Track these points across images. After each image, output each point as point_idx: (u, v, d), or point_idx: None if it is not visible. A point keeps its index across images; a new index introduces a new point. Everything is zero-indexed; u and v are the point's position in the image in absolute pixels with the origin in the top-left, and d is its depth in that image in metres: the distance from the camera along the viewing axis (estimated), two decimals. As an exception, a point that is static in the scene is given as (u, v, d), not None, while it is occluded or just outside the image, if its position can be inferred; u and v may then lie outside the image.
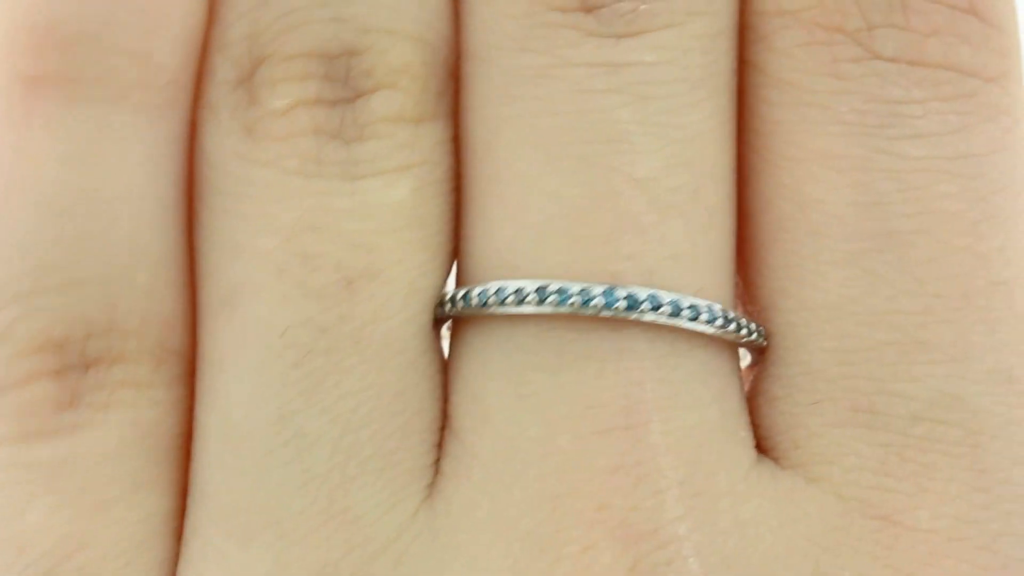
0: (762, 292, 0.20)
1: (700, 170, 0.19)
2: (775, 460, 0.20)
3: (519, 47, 0.19)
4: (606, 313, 0.19)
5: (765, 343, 0.20)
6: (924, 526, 0.18)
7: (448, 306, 0.20)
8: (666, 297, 0.19)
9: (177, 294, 0.20)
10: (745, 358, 0.21)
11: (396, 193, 0.19)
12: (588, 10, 0.19)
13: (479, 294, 0.19)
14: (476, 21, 0.20)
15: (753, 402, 0.20)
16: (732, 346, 0.20)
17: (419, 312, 0.20)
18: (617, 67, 0.19)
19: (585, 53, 0.19)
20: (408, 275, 0.20)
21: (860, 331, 0.19)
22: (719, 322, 0.19)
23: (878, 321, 0.19)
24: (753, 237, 0.21)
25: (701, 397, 0.19)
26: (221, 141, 0.20)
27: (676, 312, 0.19)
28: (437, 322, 0.20)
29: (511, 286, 0.19)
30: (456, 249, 0.21)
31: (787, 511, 0.19)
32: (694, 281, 0.19)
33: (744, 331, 0.20)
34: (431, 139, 0.20)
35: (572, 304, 0.19)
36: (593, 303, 0.19)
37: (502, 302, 0.19)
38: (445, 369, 0.20)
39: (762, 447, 0.20)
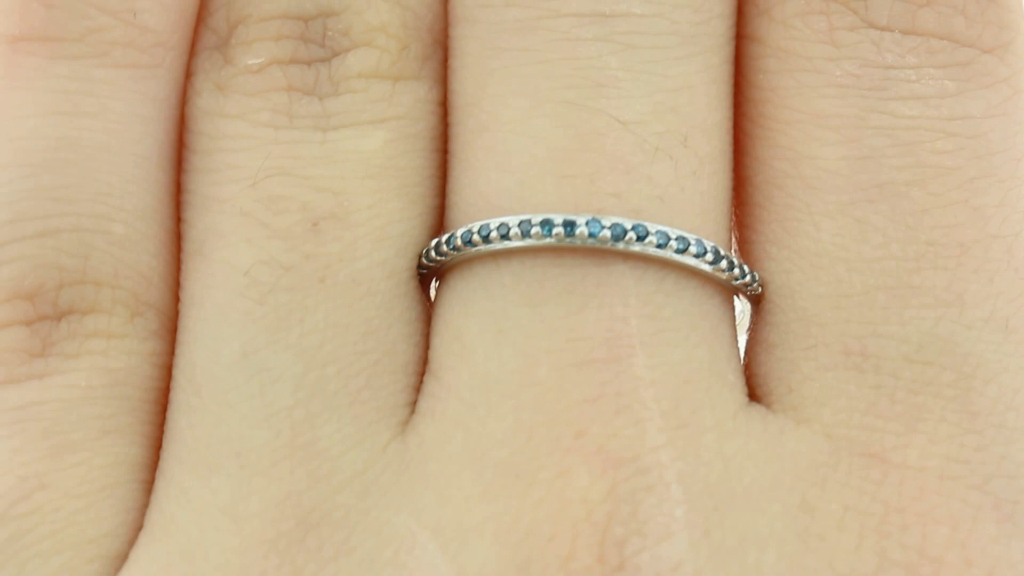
0: (756, 245, 0.20)
1: (689, 119, 0.19)
2: (768, 406, 0.19)
3: (505, 2, 0.19)
4: (591, 243, 0.18)
5: (760, 290, 0.20)
6: (914, 464, 0.18)
7: (433, 253, 0.19)
8: (653, 227, 0.18)
9: (156, 249, 0.20)
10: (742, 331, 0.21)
11: (368, 143, 0.19)
12: None
13: (463, 234, 0.19)
14: None
15: (750, 351, 0.20)
16: (725, 291, 0.19)
17: (392, 257, 0.19)
18: (605, 17, 0.19)
19: (572, 4, 0.19)
20: (378, 220, 0.19)
21: (852, 277, 0.19)
22: (709, 256, 0.19)
23: (869, 267, 0.19)
24: (748, 198, 0.20)
25: (688, 337, 0.19)
26: (194, 101, 0.20)
27: (663, 243, 0.18)
28: (426, 276, 0.20)
29: (494, 222, 0.19)
30: (442, 205, 0.20)
31: (774, 448, 0.18)
32: (683, 223, 0.19)
33: (737, 271, 0.19)
34: (411, 96, 0.20)
35: (556, 235, 0.18)
36: (578, 232, 0.18)
37: (486, 239, 0.19)
38: (427, 318, 0.20)
39: (756, 395, 0.19)
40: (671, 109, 0.19)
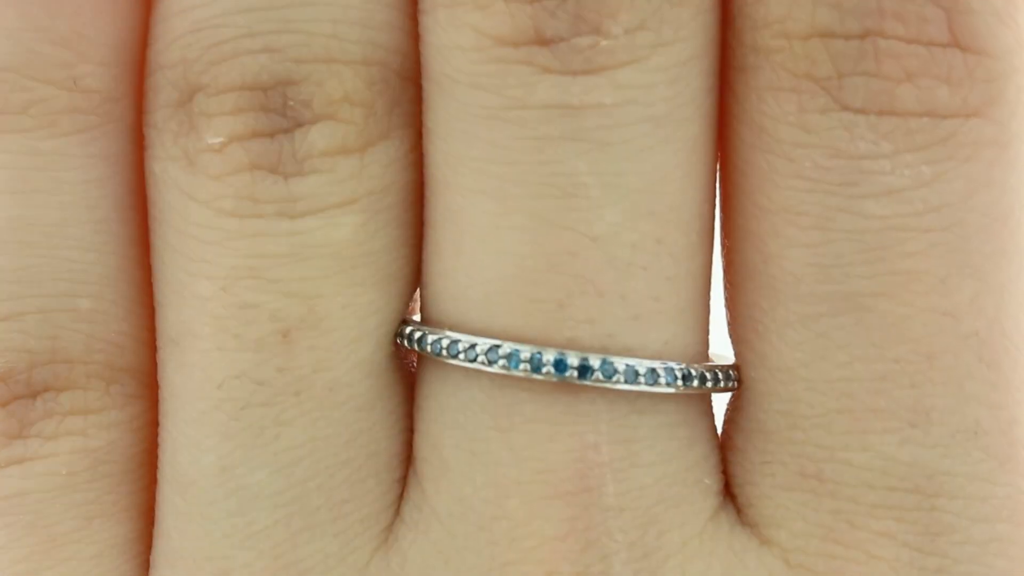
0: (733, 338, 0.20)
1: (664, 217, 0.18)
2: (737, 509, 0.19)
3: (471, 83, 0.18)
4: (556, 379, 0.18)
5: (737, 387, 0.19)
6: None
7: (406, 342, 0.19)
8: (621, 364, 0.18)
9: (125, 312, 0.20)
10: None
11: (339, 233, 0.19)
12: (544, 43, 0.17)
13: (433, 343, 0.19)
14: (430, 47, 0.18)
15: (724, 446, 0.20)
16: (703, 395, 0.19)
17: (369, 354, 0.19)
18: (574, 110, 0.17)
19: (539, 94, 0.17)
20: (352, 319, 0.19)
21: (810, 397, 0.18)
22: (679, 383, 0.18)
23: (829, 388, 0.18)
24: (730, 278, 0.20)
25: (664, 451, 0.19)
26: (166, 167, 0.19)
27: (632, 379, 0.18)
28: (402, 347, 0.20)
29: (464, 341, 0.18)
30: (418, 267, 0.20)
31: (735, 573, 0.19)
32: (658, 338, 0.18)
33: (710, 382, 0.19)
34: (381, 163, 0.19)
35: (523, 369, 0.18)
36: (544, 370, 0.18)
37: (454, 356, 0.18)
38: (411, 390, 0.20)
39: (730, 492, 0.20)
40: (646, 213, 0.18)
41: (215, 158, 0.19)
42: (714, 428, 0.20)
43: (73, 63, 0.19)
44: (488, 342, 0.18)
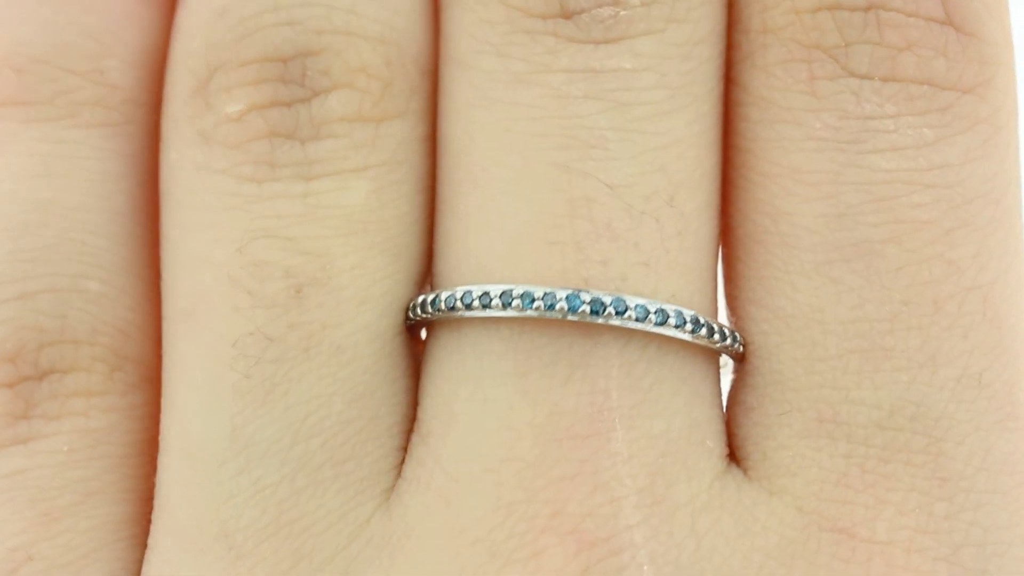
0: (738, 303, 0.20)
1: (676, 177, 0.19)
2: (745, 470, 0.19)
3: (497, 52, 0.19)
4: (571, 317, 0.18)
5: (742, 349, 0.20)
6: (882, 538, 0.18)
7: (418, 310, 0.20)
8: (632, 302, 0.19)
9: (133, 302, 0.20)
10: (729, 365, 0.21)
11: (351, 195, 0.19)
12: (567, 16, 0.19)
13: (447, 299, 0.19)
14: (454, 26, 0.20)
15: (731, 411, 0.20)
16: (709, 353, 0.20)
17: (376, 318, 0.20)
18: (596, 73, 0.19)
19: (564, 59, 0.19)
20: (361, 280, 0.19)
21: (826, 339, 0.19)
22: (688, 327, 0.19)
23: (844, 329, 0.19)
24: (731, 251, 0.20)
25: (669, 405, 0.19)
26: (181, 151, 0.20)
27: (642, 317, 0.19)
28: (414, 326, 0.20)
29: (477, 290, 0.19)
30: (428, 249, 0.21)
31: (746, 524, 0.19)
32: (667, 287, 0.19)
33: (717, 336, 0.19)
34: (395, 138, 0.20)
35: (536, 308, 0.18)
36: (557, 307, 0.18)
37: (468, 306, 0.19)
38: (416, 372, 0.20)
39: (736, 456, 0.20)
40: (659, 168, 0.19)
41: (233, 128, 0.19)
42: (719, 394, 0.20)
43: (100, 55, 0.20)
44: (501, 287, 0.19)
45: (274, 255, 0.19)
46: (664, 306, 0.19)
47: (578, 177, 0.19)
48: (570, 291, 0.18)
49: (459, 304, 0.19)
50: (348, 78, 0.20)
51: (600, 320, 0.18)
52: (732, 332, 0.20)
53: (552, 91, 0.19)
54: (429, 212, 0.21)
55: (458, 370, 0.19)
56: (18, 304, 0.20)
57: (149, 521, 0.20)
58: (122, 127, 0.21)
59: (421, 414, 0.20)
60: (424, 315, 0.20)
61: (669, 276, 0.19)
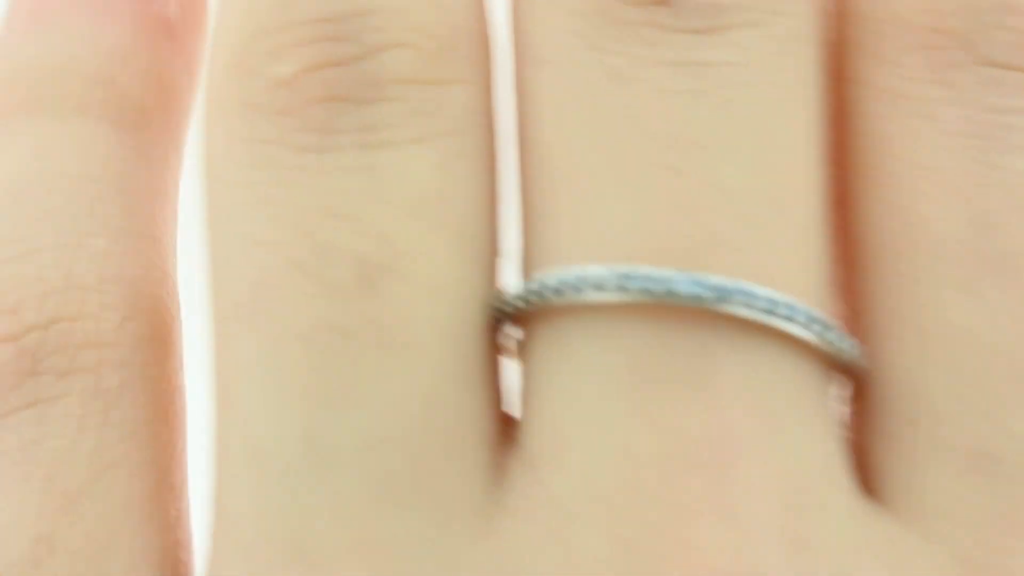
0: (864, 315, 0.19)
1: (788, 184, 0.18)
2: (883, 503, 0.18)
3: (589, 46, 0.18)
4: (694, 303, 0.17)
5: (866, 365, 0.18)
6: None
7: (508, 300, 0.18)
8: (760, 291, 0.17)
9: (146, 261, 0.20)
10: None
11: (415, 169, 0.18)
12: (664, 3, 0.18)
13: (558, 281, 0.17)
14: (535, 21, 0.19)
15: (859, 435, 0.18)
16: (828, 368, 0.18)
17: (453, 311, 0.18)
18: (699, 67, 0.18)
19: (663, 52, 0.18)
20: (431, 267, 0.17)
21: (978, 364, 0.17)
22: (816, 327, 0.17)
23: (997, 354, 0.17)
24: (854, 260, 0.19)
25: (798, 432, 0.17)
26: (224, 125, 0.18)
27: (770, 309, 0.17)
28: (494, 324, 0.19)
29: (591, 270, 0.17)
30: (493, 247, 0.19)
31: (897, 570, 0.17)
32: (784, 290, 0.18)
33: (846, 347, 0.18)
34: (456, 106, 0.18)
35: (655, 293, 0.17)
36: (684, 289, 0.17)
37: (579, 291, 0.17)
38: (496, 375, 0.18)
39: (868, 487, 0.18)
40: (768, 169, 0.18)
41: (283, 92, 0.18)
42: (838, 423, 0.18)
43: (112, 65, 0.21)
44: (616, 268, 0.17)
45: (341, 237, 0.17)
46: (792, 301, 0.17)
47: (686, 180, 0.17)
48: (695, 275, 0.17)
49: (568, 288, 0.17)
50: (405, 36, 0.18)
51: (726, 308, 0.17)
52: (857, 343, 0.18)
53: (654, 87, 0.18)
54: (492, 200, 0.19)
55: (565, 391, 0.17)
56: (19, 260, 0.19)
57: (165, 497, 0.18)
58: (132, 130, 0.21)
59: (523, 435, 0.18)
60: (515, 304, 0.18)
61: (784, 285, 0.18)
